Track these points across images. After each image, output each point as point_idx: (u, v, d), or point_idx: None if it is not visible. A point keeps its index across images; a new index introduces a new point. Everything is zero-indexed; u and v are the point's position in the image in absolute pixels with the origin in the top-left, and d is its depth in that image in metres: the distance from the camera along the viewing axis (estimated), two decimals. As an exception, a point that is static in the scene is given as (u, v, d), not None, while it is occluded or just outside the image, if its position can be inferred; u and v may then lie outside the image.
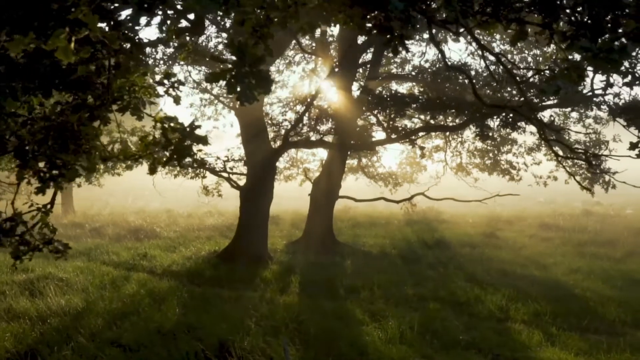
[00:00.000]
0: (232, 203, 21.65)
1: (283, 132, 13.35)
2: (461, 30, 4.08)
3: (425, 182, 22.19)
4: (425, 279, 11.80)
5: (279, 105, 17.58)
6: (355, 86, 15.12)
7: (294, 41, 12.90)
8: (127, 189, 35.34)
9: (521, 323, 8.83)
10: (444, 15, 4.22)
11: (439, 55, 15.55)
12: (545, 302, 9.81)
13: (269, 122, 13.76)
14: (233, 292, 10.23)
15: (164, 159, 3.54)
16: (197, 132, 3.49)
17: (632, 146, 4.44)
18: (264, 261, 13.06)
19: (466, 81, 10.39)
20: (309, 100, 13.00)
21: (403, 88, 18.51)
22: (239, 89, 2.31)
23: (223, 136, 20.67)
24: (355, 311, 8.95)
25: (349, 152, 20.97)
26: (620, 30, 2.64)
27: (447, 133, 18.30)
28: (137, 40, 2.92)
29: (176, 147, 3.44)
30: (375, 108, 11.81)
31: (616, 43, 2.42)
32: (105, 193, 29.57)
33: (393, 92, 12.60)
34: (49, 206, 5.11)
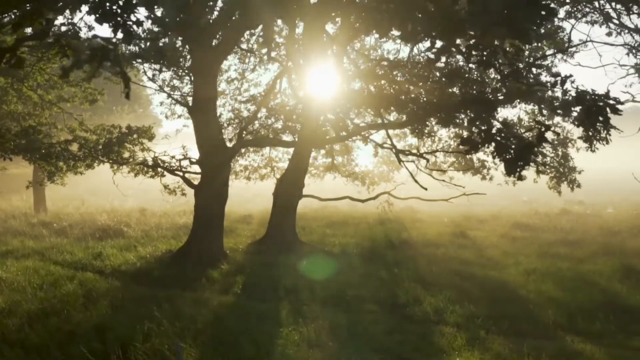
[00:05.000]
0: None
1: (238, 130, 13.19)
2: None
3: (403, 181, 22.04)
4: (374, 279, 11.62)
5: (250, 104, 17.45)
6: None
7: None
8: (111, 188, 35.36)
9: (453, 326, 8.63)
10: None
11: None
12: (485, 304, 9.62)
13: (223, 120, 13.62)
14: (171, 293, 10.08)
15: None
16: None
17: (463, 141, 4.25)
18: (217, 261, 12.90)
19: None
20: (259, 99, 12.84)
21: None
22: None
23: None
24: (283, 313, 8.78)
25: (323, 151, 20.92)
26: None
27: (426, 131, 18.09)
28: None
29: None
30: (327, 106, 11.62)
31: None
32: (88, 192, 29.62)
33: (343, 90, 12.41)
34: None
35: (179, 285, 10.97)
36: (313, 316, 8.55)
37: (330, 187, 23.43)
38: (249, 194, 31.29)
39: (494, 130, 4.08)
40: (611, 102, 4.63)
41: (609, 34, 13.33)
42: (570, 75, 4.46)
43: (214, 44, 11.81)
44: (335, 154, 20.84)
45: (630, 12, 12.10)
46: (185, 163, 13.63)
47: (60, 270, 11.83)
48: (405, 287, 10.73)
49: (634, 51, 13.36)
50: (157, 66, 15.77)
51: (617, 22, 14.00)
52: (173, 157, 13.67)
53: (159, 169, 14.43)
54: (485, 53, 4.55)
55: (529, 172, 17.07)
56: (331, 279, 11.46)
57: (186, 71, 14.32)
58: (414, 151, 12.66)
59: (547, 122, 17.41)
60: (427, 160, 10.43)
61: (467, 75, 9.53)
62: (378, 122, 12.27)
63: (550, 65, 16.79)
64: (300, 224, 19.52)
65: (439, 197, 17.68)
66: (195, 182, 13.76)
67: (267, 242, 15.45)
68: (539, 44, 15.13)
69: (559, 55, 16.98)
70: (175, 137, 19.60)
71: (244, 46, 19.03)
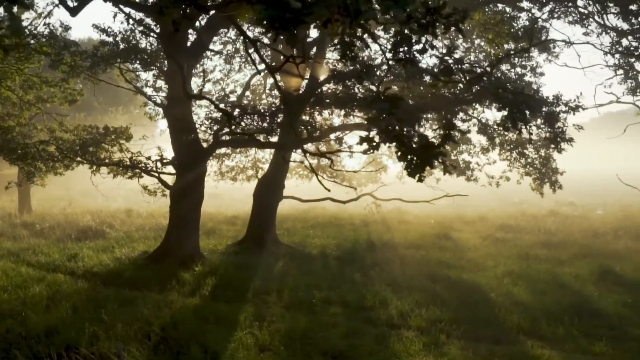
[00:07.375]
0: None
1: (213, 130, 13.11)
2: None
3: (391, 182, 21.93)
4: (346, 281, 11.49)
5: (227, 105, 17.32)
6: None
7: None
8: (102, 189, 35.30)
9: (415, 330, 8.50)
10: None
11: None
12: (452, 307, 9.49)
13: (198, 120, 13.56)
14: (135, 294, 9.98)
15: None
16: None
17: (361, 140, 4.13)
18: (191, 262, 12.80)
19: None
20: (230, 98, 12.74)
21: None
22: None
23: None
24: (243, 315, 8.66)
25: (306, 152, 20.77)
26: None
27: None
28: None
29: None
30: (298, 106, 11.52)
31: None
32: (79, 193, 29.56)
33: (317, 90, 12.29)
34: None
35: (148, 286, 10.86)
36: (272, 319, 8.44)
37: (320, 188, 23.31)
38: (240, 194, 31.18)
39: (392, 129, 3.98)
40: (528, 99, 4.50)
41: (586, 34, 13.20)
42: (489, 72, 4.32)
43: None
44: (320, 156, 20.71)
45: (608, 12, 11.97)
46: (160, 164, 13.52)
47: (30, 272, 11.75)
48: (375, 290, 10.59)
49: (612, 51, 13.19)
50: (136, 66, 15.77)
51: (600, 21, 13.84)
52: (149, 157, 13.56)
53: (136, 170, 14.33)
54: (410, 50, 4.44)
55: (513, 173, 17.08)
56: (302, 280, 11.36)
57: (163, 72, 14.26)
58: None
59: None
60: (331, 161, 10.30)
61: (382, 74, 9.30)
62: (349, 123, 12.20)
63: (535, 65, 16.67)
64: (285, 226, 19.41)
65: (422, 199, 17.54)
66: (172, 183, 13.67)
67: (245, 243, 15.37)
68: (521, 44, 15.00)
69: (544, 55, 16.85)
70: (160, 137, 19.43)
71: (230, 47, 19.04)
